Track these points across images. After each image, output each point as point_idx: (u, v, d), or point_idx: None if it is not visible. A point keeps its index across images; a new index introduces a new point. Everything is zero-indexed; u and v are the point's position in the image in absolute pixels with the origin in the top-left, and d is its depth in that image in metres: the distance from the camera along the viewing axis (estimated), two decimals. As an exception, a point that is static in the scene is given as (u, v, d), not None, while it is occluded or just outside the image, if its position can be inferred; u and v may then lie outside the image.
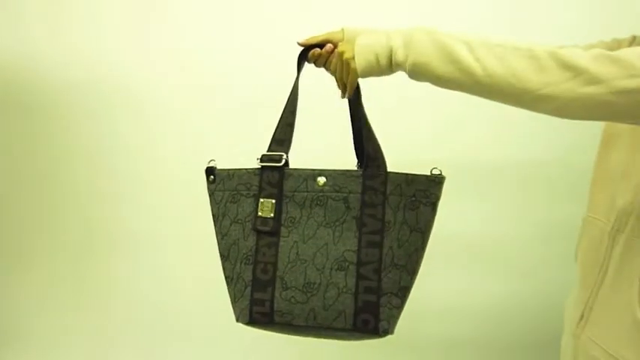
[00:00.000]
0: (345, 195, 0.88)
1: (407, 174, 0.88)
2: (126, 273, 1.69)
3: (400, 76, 0.82)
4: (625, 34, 0.92)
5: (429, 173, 0.88)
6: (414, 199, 0.87)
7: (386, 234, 0.86)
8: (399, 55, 0.76)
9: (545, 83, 0.65)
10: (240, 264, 0.92)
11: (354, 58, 0.80)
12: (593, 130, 0.92)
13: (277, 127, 0.93)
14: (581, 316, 0.82)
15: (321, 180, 0.89)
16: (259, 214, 0.90)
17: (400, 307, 0.88)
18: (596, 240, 0.83)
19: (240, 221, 0.93)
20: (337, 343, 0.94)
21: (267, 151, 0.92)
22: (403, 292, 0.88)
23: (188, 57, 1.56)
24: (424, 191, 0.87)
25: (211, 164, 0.96)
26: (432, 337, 1.65)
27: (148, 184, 1.63)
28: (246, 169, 0.93)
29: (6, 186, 1.65)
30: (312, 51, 0.92)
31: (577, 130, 1.10)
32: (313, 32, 0.93)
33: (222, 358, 1.68)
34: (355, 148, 1.00)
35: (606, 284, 0.79)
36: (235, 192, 0.94)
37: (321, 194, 0.89)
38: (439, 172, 0.87)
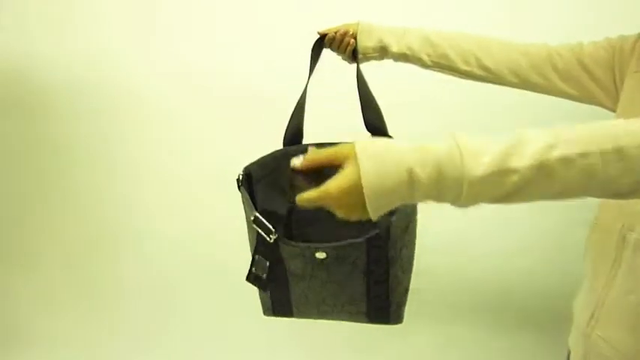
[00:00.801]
0: (350, 261, 0.85)
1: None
2: (128, 273, 1.68)
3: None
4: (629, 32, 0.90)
5: None
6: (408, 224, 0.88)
7: (391, 266, 0.86)
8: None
9: None
10: None
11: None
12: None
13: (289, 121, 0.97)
14: (592, 316, 0.81)
15: (321, 255, 0.85)
16: (253, 269, 0.89)
17: (406, 297, 0.92)
18: (607, 239, 0.81)
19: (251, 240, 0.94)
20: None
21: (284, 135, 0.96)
22: (407, 289, 0.92)
23: (189, 58, 1.55)
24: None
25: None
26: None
27: (150, 184, 1.62)
28: (246, 197, 0.91)
29: (8, 187, 1.66)
30: (328, 36, 1.00)
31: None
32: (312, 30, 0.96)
33: (225, 356, 1.68)
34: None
35: (617, 283, 0.78)
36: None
37: (321, 264, 0.86)
38: None
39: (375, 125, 0.99)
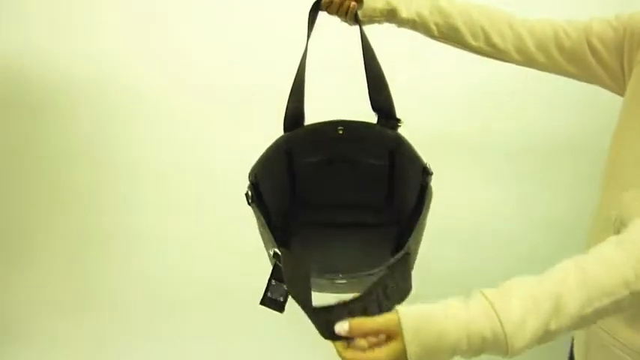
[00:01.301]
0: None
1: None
2: (126, 271, 1.61)
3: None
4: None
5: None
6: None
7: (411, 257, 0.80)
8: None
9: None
10: None
11: None
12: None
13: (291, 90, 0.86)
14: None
15: (341, 281, 0.78)
16: (269, 293, 0.77)
17: None
18: (603, 231, 0.82)
19: None
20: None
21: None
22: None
23: (189, 55, 1.45)
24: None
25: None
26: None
27: (150, 184, 1.55)
28: (258, 215, 0.80)
29: (4, 185, 1.60)
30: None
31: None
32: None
33: (221, 354, 1.64)
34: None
35: None
36: None
37: (341, 285, 0.79)
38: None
39: (382, 106, 0.89)
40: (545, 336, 0.55)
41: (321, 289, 0.80)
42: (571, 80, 0.93)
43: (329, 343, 0.59)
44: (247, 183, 0.82)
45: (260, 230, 0.81)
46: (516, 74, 0.99)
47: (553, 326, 0.54)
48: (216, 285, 1.54)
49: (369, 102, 0.88)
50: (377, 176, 0.96)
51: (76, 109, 1.50)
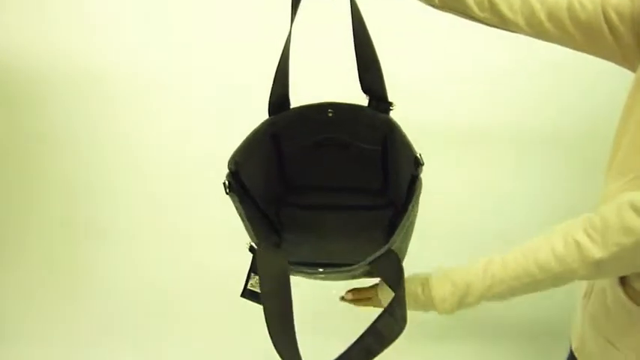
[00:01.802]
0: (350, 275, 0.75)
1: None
2: (114, 270, 1.60)
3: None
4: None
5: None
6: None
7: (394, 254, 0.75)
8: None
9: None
10: None
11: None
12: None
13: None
14: (585, 293, 0.83)
15: (320, 275, 0.75)
16: (249, 285, 0.76)
17: None
18: None
19: None
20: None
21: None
22: None
23: (172, 48, 1.41)
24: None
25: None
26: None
27: (137, 180, 1.52)
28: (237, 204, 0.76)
29: None
30: None
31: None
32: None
33: (207, 349, 1.62)
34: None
35: None
36: None
37: (321, 277, 0.77)
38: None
39: (373, 87, 0.83)
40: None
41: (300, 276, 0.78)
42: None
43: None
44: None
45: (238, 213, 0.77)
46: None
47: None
48: (206, 281, 1.53)
49: (359, 83, 0.83)
50: (369, 160, 0.92)
51: (51, 101, 1.46)
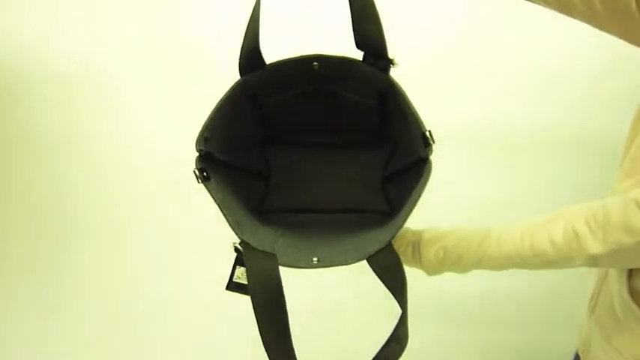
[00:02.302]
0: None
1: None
2: (94, 272, 1.46)
3: None
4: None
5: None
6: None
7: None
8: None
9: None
10: None
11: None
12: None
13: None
14: (592, 297, 0.81)
15: (316, 259, 0.68)
16: (234, 278, 0.69)
17: None
18: None
19: None
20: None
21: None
22: None
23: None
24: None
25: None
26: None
27: (116, 179, 1.38)
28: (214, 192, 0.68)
29: None
30: None
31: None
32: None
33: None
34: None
35: (610, 273, 0.75)
36: None
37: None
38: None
39: (369, 41, 0.67)
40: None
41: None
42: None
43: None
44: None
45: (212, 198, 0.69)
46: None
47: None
48: (189, 283, 1.44)
49: (353, 35, 0.66)
50: (364, 112, 0.79)
51: (29, 99, 1.31)
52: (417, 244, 0.71)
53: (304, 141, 0.86)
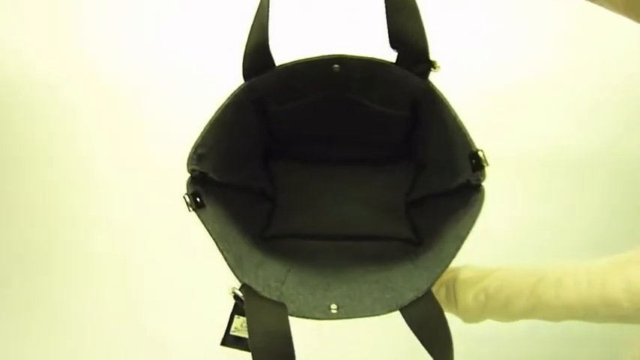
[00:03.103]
0: None
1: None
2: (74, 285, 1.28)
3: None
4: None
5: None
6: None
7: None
8: None
9: None
10: None
11: None
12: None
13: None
14: None
15: (335, 306, 0.55)
16: (231, 331, 0.57)
17: None
18: None
19: None
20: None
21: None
22: None
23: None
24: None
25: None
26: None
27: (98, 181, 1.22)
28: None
29: None
30: None
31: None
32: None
33: None
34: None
35: None
36: None
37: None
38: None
39: (406, 38, 0.54)
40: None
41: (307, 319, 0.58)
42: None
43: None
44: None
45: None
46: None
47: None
48: (175, 290, 1.29)
49: (387, 32, 0.54)
50: (389, 124, 0.67)
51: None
52: (451, 284, 0.59)
53: (315, 156, 0.75)
